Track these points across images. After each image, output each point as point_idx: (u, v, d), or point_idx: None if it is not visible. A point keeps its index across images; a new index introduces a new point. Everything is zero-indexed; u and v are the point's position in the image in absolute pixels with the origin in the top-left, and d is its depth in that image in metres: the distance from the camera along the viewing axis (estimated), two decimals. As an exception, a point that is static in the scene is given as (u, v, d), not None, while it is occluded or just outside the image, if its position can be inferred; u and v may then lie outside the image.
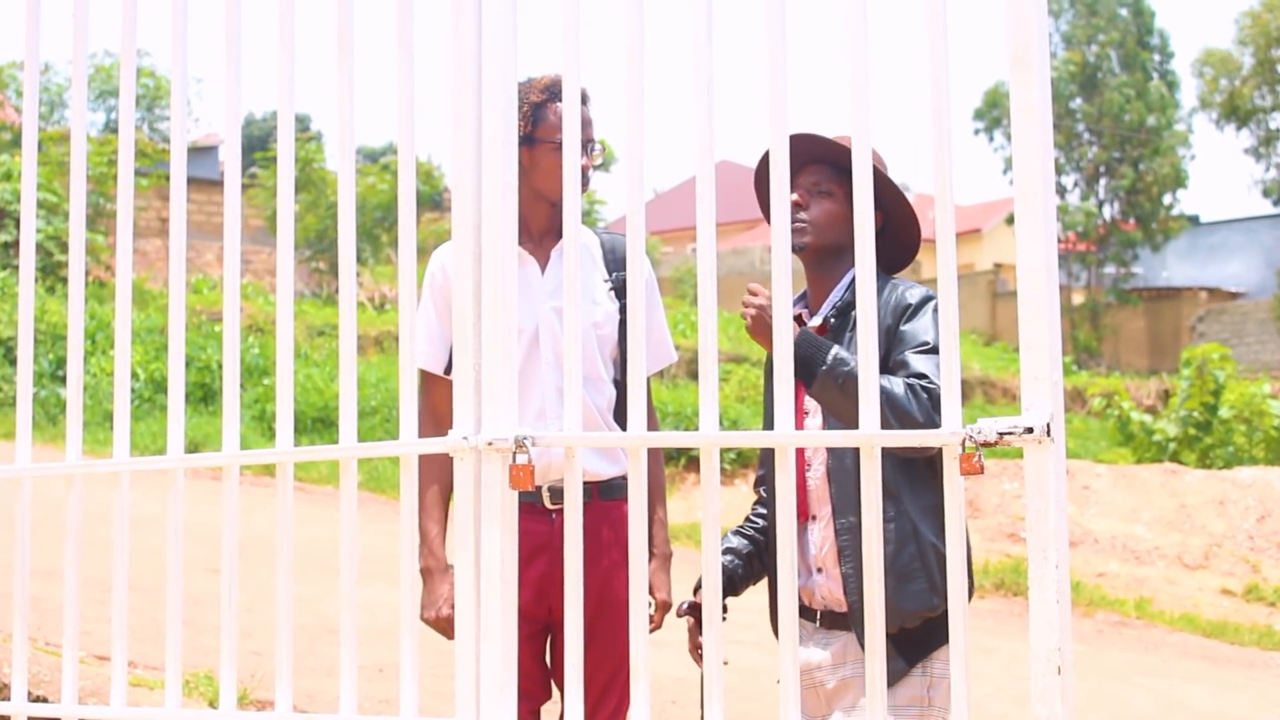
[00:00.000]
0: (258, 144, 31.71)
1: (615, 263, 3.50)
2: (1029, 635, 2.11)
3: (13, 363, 14.80)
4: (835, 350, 2.92)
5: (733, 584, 3.23)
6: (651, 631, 3.29)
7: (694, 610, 3.18)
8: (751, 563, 3.26)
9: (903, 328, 3.00)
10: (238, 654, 2.76)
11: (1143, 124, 34.70)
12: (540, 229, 3.43)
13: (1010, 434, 2.12)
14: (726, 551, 3.26)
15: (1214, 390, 17.81)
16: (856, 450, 2.81)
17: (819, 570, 3.10)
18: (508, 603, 2.39)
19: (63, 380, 14.66)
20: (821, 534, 3.09)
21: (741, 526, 3.32)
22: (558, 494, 3.29)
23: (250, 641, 5.97)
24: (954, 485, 2.19)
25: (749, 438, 2.43)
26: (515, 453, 2.38)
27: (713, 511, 2.34)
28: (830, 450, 3.05)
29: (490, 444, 2.39)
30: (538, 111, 3.36)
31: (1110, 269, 35.66)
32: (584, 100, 3.41)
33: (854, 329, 3.02)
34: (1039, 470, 2.11)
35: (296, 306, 18.67)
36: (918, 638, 2.99)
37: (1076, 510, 13.19)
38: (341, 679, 2.59)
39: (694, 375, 18.17)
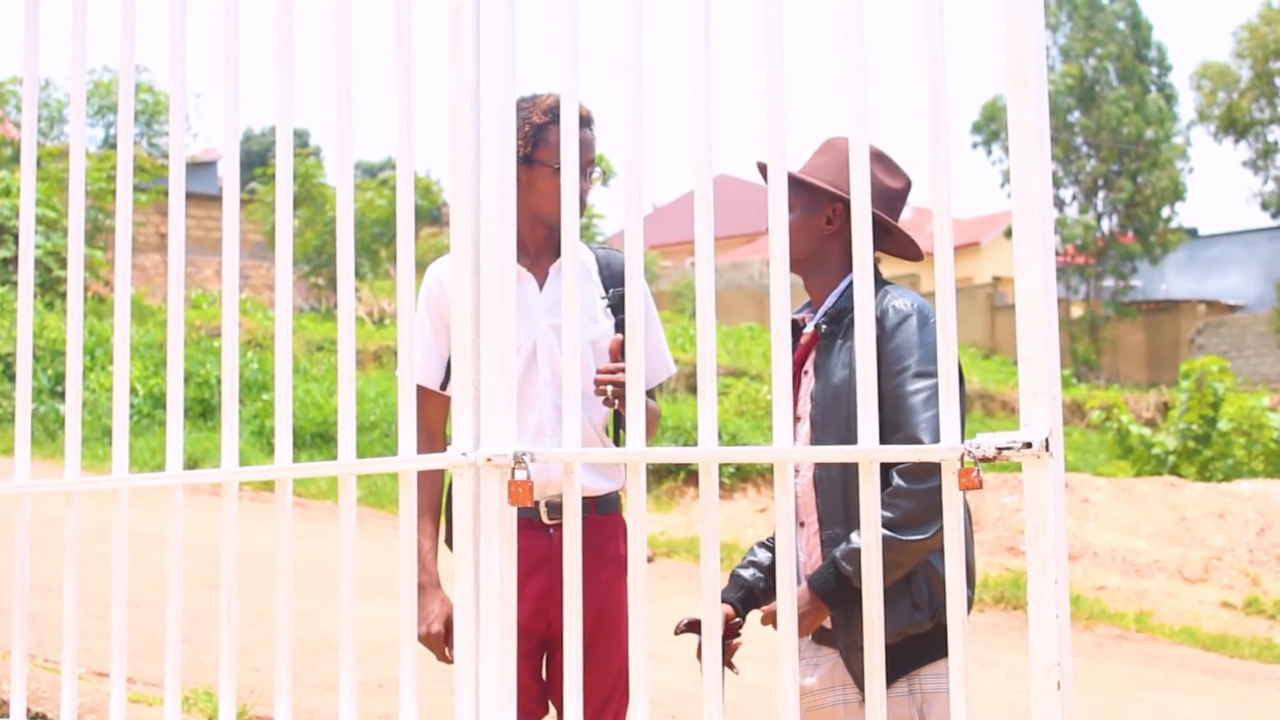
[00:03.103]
0: (256, 159, 31.77)
1: (611, 279, 3.49)
2: (1029, 650, 2.11)
3: (12, 379, 14.80)
4: (838, 558, 2.94)
5: (754, 597, 3.18)
6: None
7: (693, 627, 3.16)
8: (773, 576, 3.22)
9: (887, 346, 2.95)
10: (237, 670, 2.76)
11: (1141, 137, 34.75)
12: (538, 246, 3.42)
13: (1009, 449, 2.12)
14: (750, 565, 3.22)
15: (1213, 403, 17.83)
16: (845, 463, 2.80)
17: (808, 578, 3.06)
18: (507, 619, 2.39)
19: (62, 396, 14.66)
20: (809, 542, 3.07)
21: (767, 539, 3.25)
22: (555, 509, 3.30)
23: (249, 657, 5.96)
24: (952, 500, 2.19)
25: (748, 453, 2.43)
26: (514, 469, 2.38)
27: (711, 526, 2.34)
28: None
29: (489, 460, 2.39)
30: (540, 133, 3.34)
31: (1109, 282, 35.70)
32: (587, 123, 3.38)
33: (846, 335, 3.03)
34: (1038, 485, 2.11)
35: (295, 322, 18.68)
36: (897, 654, 2.90)
37: (1076, 523, 13.18)
38: (341, 695, 2.59)
39: (693, 389, 18.17)
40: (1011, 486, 13.36)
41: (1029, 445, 2.10)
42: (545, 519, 3.35)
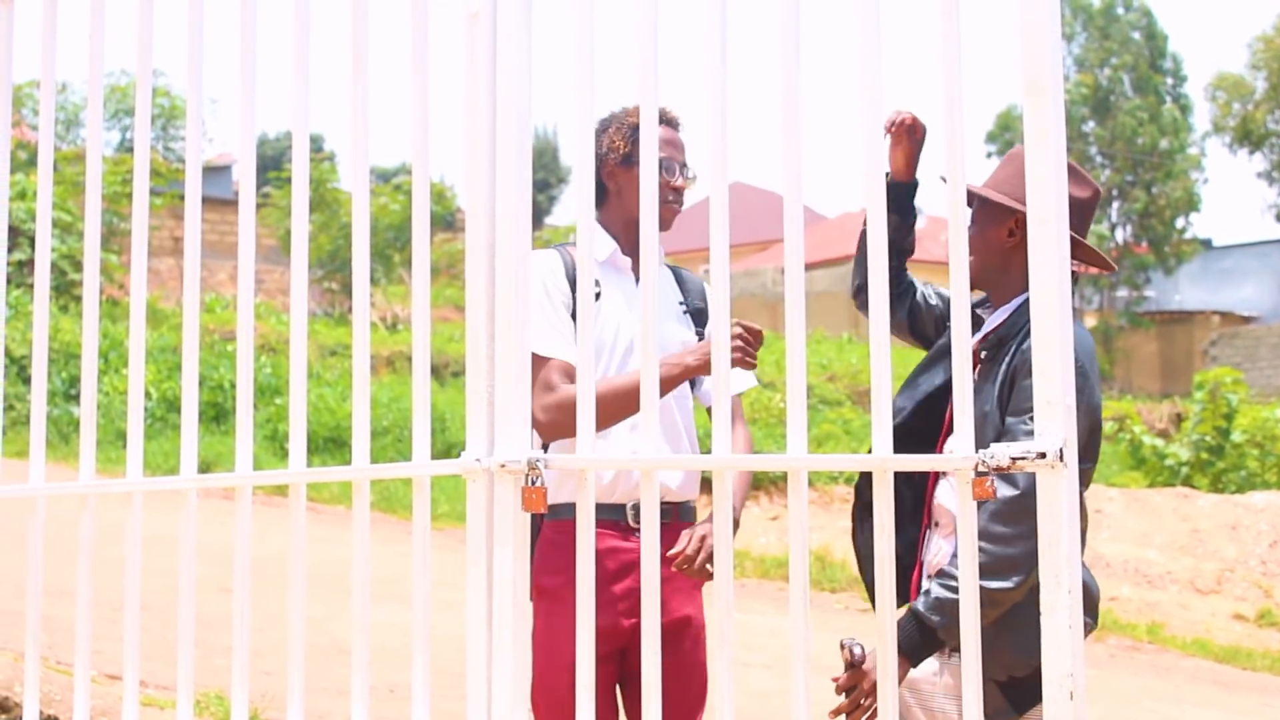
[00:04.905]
0: (271, 164, 31.77)
1: (682, 290, 3.54)
2: (1042, 660, 2.10)
3: (26, 381, 14.84)
4: (920, 610, 2.83)
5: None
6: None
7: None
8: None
9: (1022, 382, 2.87)
10: (249, 674, 2.76)
11: (1155, 147, 34.72)
12: (634, 244, 3.39)
13: (1023, 459, 2.12)
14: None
15: (1226, 414, 17.79)
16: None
17: (931, 578, 2.99)
18: (520, 625, 2.39)
19: (76, 399, 14.70)
20: (938, 544, 3.04)
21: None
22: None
23: (262, 661, 5.96)
24: (967, 510, 2.19)
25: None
26: (528, 475, 2.38)
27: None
28: None
29: (503, 466, 2.39)
30: (636, 134, 3.36)
31: (1123, 292, 35.67)
32: (675, 125, 3.46)
33: (1007, 361, 2.96)
34: (1052, 495, 2.10)
35: (309, 326, 18.69)
36: (1030, 687, 2.74)
37: (1089, 534, 13.15)
38: (353, 699, 2.59)
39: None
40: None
41: (1043, 455, 2.10)
42: (631, 522, 3.34)
